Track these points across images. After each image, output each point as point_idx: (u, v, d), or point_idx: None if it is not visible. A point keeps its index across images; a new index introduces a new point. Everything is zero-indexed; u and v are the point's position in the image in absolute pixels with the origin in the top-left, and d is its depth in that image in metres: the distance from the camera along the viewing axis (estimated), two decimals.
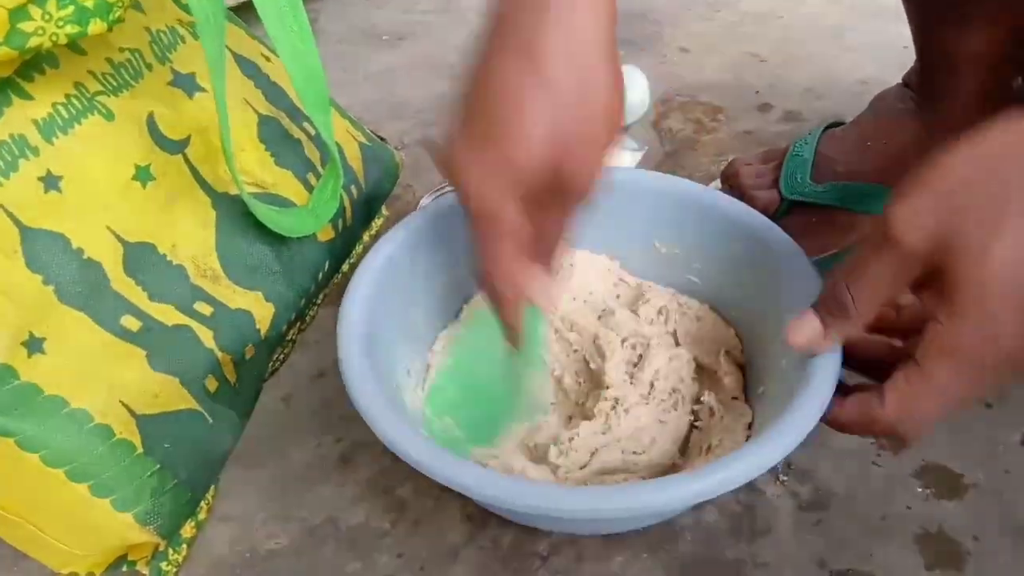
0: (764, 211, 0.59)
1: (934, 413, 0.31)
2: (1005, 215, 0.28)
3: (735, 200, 0.47)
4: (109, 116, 0.38)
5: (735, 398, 0.43)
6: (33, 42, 0.32)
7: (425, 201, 0.53)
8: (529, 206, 0.33)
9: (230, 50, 0.48)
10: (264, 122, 0.47)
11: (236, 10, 0.53)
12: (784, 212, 0.60)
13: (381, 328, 0.40)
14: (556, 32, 0.31)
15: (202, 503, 0.41)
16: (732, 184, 0.61)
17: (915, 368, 0.30)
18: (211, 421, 0.39)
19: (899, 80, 0.60)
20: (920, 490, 0.43)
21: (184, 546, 0.40)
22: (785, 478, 0.43)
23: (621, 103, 0.33)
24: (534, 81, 0.31)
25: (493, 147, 0.32)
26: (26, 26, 0.31)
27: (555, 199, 0.34)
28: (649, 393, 0.42)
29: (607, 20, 0.32)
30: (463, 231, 0.35)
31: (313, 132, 0.50)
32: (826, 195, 0.59)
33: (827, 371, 0.34)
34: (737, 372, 0.44)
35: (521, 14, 0.32)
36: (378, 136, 0.58)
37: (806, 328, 0.34)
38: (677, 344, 0.46)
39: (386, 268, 0.42)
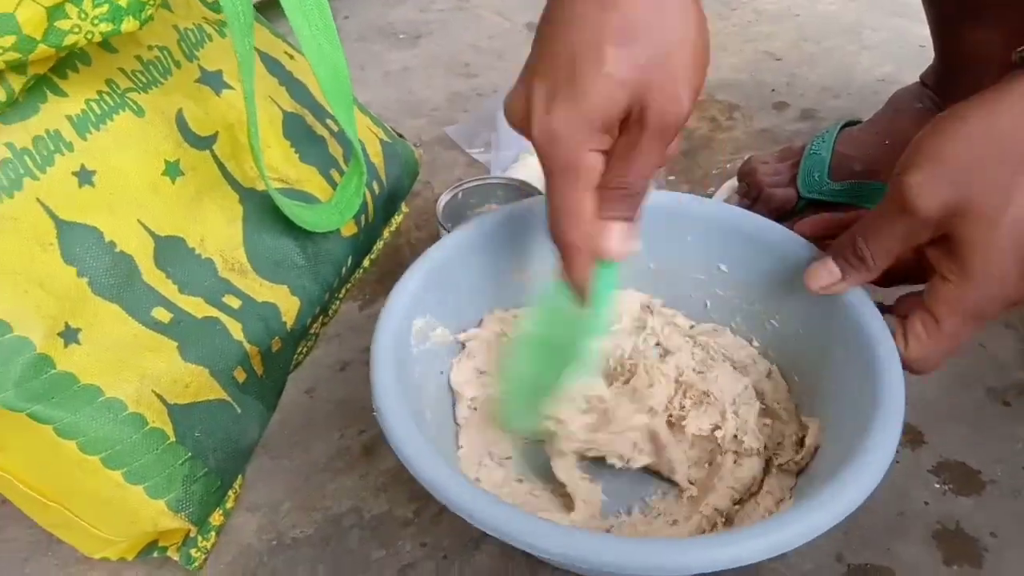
0: (781, 209, 0.60)
1: (946, 354, 0.35)
2: (1015, 185, 0.31)
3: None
4: (140, 112, 0.39)
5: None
6: (69, 39, 0.32)
7: (444, 198, 0.53)
8: (613, 153, 0.32)
9: (256, 48, 0.48)
10: (289, 119, 0.48)
11: (259, 8, 0.53)
12: (801, 210, 0.60)
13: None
14: None
15: (230, 492, 0.42)
16: (749, 182, 0.62)
17: (931, 321, 0.34)
18: (239, 411, 0.40)
19: (917, 78, 0.61)
20: (938, 486, 0.43)
21: (213, 534, 0.40)
22: None
23: (706, 39, 0.32)
24: (609, 13, 0.30)
25: (571, 93, 0.30)
26: (63, 24, 0.32)
27: (641, 143, 0.31)
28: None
29: None
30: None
31: (336, 129, 0.51)
32: (844, 194, 0.59)
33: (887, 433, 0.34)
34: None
35: None
36: (397, 133, 0.59)
37: (824, 273, 0.37)
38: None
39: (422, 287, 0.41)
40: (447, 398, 0.44)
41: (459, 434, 0.43)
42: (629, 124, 0.31)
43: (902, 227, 0.34)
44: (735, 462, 0.41)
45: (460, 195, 0.54)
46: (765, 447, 0.41)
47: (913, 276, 0.36)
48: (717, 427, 0.41)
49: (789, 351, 0.43)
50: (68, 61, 0.36)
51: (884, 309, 0.38)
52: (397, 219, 0.61)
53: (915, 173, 0.33)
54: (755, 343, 0.45)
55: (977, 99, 0.33)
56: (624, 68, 0.30)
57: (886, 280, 0.38)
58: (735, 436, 0.41)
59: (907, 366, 0.36)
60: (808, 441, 0.39)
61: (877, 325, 0.37)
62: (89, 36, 0.33)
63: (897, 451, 0.45)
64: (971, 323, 0.34)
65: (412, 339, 0.40)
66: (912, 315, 0.36)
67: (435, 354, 0.42)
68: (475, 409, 0.43)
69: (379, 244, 0.58)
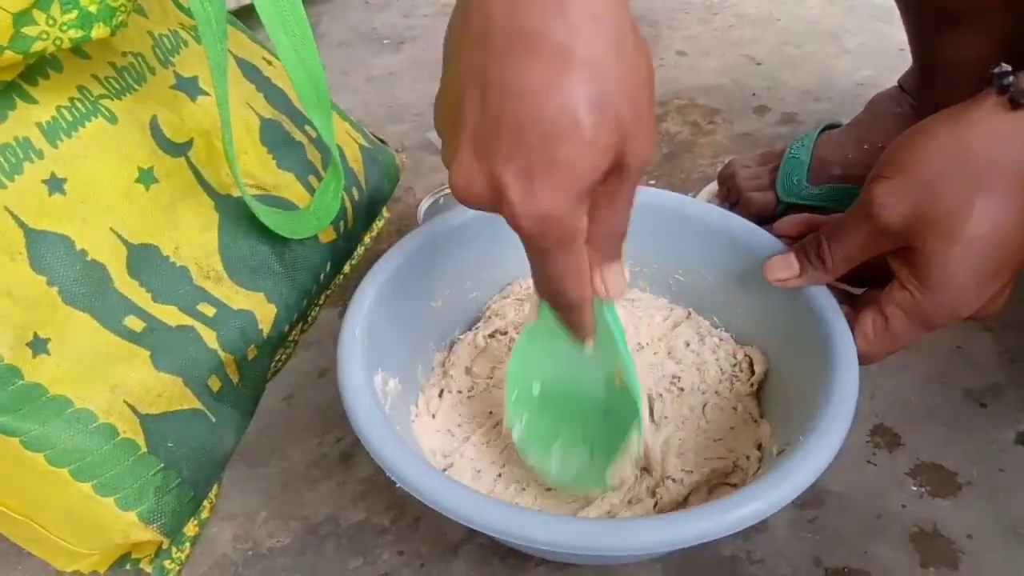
0: (760, 213, 0.60)
1: (886, 354, 0.37)
2: (974, 201, 0.32)
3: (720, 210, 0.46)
4: (112, 119, 0.38)
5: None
6: (37, 46, 0.32)
7: (425, 204, 0.53)
8: (597, 205, 0.30)
9: (232, 53, 0.48)
10: (266, 125, 0.47)
11: (237, 14, 0.53)
12: (781, 214, 0.60)
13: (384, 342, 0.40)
14: (574, 7, 0.26)
15: (205, 502, 0.41)
16: (729, 186, 0.62)
17: (880, 320, 0.36)
18: (214, 420, 0.39)
19: (896, 82, 0.61)
20: (915, 488, 0.43)
21: (187, 544, 0.40)
22: None
23: (651, 61, 0.29)
24: (572, 73, 0.26)
25: (553, 171, 0.27)
26: (30, 30, 0.31)
27: (624, 190, 0.30)
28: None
29: None
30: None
31: (314, 135, 0.51)
32: (823, 197, 0.59)
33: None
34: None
35: (526, 5, 0.26)
36: (378, 138, 0.59)
37: (782, 266, 0.39)
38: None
39: (389, 285, 0.42)
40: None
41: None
42: (609, 175, 0.29)
43: (864, 234, 0.35)
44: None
45: (441, 200, 0.54)
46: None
47: (882, 280, 0.37)
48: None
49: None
50: (38, 67, 0.36)
51: (843, 301, 0.39)
52: (378, 224, 0.60)
53: (881, 183, 0.34)
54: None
55: (947, 113, 0.34)
56: (605, 132, 0.27)
57: (856, 281, 0.39)
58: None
59: None
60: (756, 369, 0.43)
61: (830, 304, 0.38)
62: (58, 43, 0.33)
63: (874, 453, 0.45)
64: (918, 330, 0.35)
65: (380, 397, 0.38)
66: (864, 312, 0.37)
67: (396, 408, 0.40)
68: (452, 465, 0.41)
69: (360, 250, 0.57)
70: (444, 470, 0.40)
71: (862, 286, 0.40)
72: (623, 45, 0.27)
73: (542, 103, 0.26)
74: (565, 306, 0.33)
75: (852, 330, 0.37)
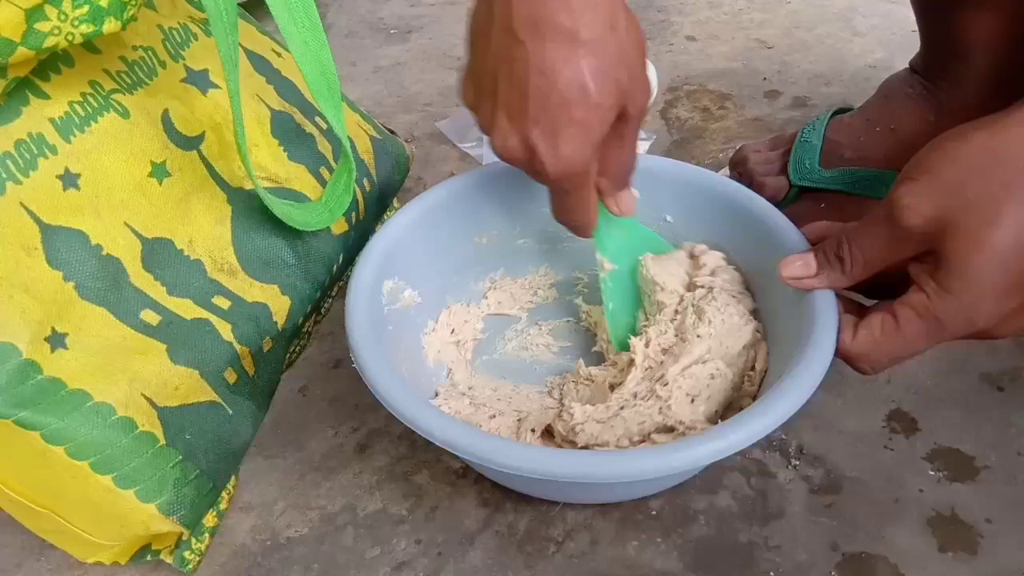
0: (773, 198, 0.59)
1: (892, 360, 0.36)
2: (1004, 208, 0.31)
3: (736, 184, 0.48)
4: (125, 114, 0.39)
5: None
6: (49, 42, 0.32)
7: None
8: (607, 146, 0.37)
9: (242, 46, 0.48)
10: (277, 118, 0.47)
11: (246, 6, 0.53)
12: (793, 198, 0.60)
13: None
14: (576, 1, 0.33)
15: (223, 493, 0.42)
16: (740, 171, 0.61)
17: (890, 320, 0.34)
18: (231, 412, 0.39)
19: (907, 64, 0.60)
20: (932, 473, 0.43)
21: (206, 535, 0.40)
22: (797, 462, 0.44)
23: (640, 28, 0.37)
24: (579, 51, 0.33)
25: (571, 129, 0.35)
26: (42, 26, 0.31)
27: (627, 133, 0.38)
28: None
29: None
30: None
31: (325, 127, 0.51)
32: (835, 181, 0.59)
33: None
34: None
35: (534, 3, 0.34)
36: (388, 129, 0.59)
37: (799, 264, 0.38)
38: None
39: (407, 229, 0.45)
40: (423, 365, 0.46)
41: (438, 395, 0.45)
42: (615, 124, 0.36)
43: (886, 236, 0.34)
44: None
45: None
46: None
47: (896, 294, 0.35)
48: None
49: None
50: (50, 63, 0.36)
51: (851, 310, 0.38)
52: (389, 215, 0.60)
53: (906, 184, 0.33)
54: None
55: (982, 120, 0.33)
56: (608, 95, 0.35)
57: (873, 291, 0.38)
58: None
59: (848, 358, 0.36)
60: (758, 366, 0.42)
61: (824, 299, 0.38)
62: (70, 38, 0.33)
63: (890, 438, 0.45)
64: (929, 335, 0.34)
65: (384, 299, 0.43)
66: (874, 311, 0.36)
67: (406, 315, 0.45)
68: (454, 385, 0.45)
69: None
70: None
71: (875, 298, 0.38)
72: (616, 23, 0.34)
73: (557, 76, 0.34)
74: (576, 227, 0.42)
75: (853, 327, 0.36)
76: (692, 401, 0.40)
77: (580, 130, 0.35)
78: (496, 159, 0.38)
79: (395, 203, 0.61)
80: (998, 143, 0.31)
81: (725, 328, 0.42)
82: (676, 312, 0.44)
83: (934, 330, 0.33)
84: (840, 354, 0.36)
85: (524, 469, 0.33)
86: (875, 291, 0.38)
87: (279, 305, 0.44)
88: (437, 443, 0.34)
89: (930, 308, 0.33)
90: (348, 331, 0.39)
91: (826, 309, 0.37)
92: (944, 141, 0.33)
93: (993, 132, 0.32)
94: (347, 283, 0.42)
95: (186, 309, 0.39)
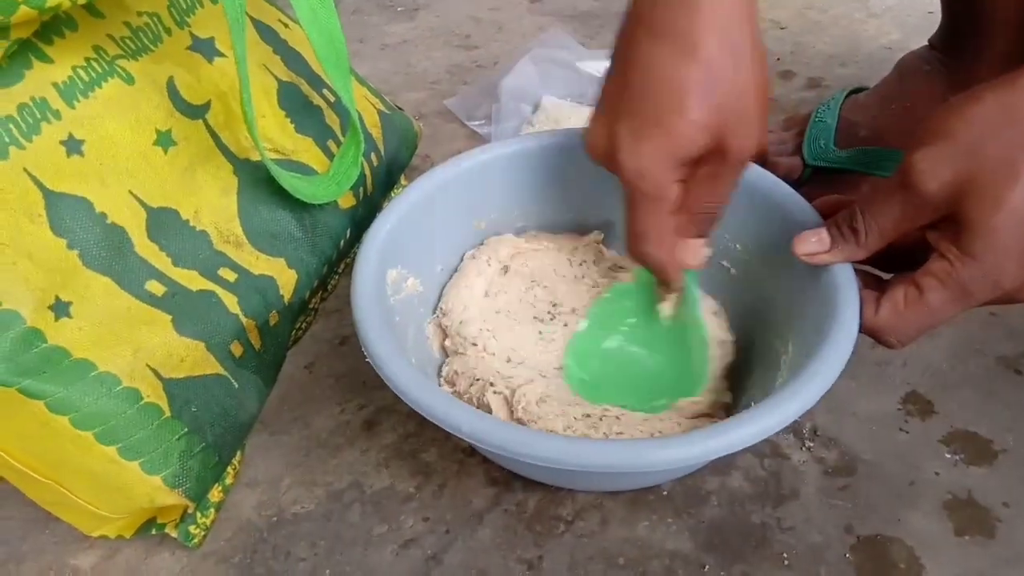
0: (786, 177, 0.58)
1: (919, 331, 0.35)
2: (1022, 167, 0.30)
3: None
4: (129, 80, 0.38)
5: None
6: (52, 1, 0.31)
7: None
8: (694, 181, 0.36)
9: (249, 15, 0.47)
10: (284, 88, 0.46)
11: None
12: (807, 178, 0.59)
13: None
14: (705, 14, 0.32)
15: (229, 468, 0.41)
16: None
17: (913, 291, 0.34)
18: (237, 386, 0.39)
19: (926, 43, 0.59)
20: (949, 456, 0.42)
21: (212, 510, 0.40)
22: (811, 444, 0.43)
23: (768, 75, 0.35)
24: (691, 64, 0.32)
25: (657, 134, 0.33)
26: None
27: (722, 174, 0.36)
28: None
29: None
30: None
31: (333, 99, 0.50)
32: (850, 160, 0.58)
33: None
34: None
35: (666, 3, 0.33)
36: (396, 106, 0.58)
37: (813, 240, 0.37)
38: None
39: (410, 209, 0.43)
40: (428, 354, 0.45)
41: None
42: (709, 157, 0.34)
43: (902, 204, 0.33)
44: None
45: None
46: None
47: (913, 265, 0.35)
48: None
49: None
50: (53, 26, 0.35)
51: (869, 286, 0.37)
52: (396, 192, 0.60)
53: (923, 150, 0.32)
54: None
55: (996, 81, 0.32)
56: (706, 115, 0.33)
57: (886, 265, 0.37)
58: None
59: (874, 332, 0.35)
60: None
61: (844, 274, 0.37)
62: None
63: (906, 421, 0.44)
64: (955, 302, 0.33)
65: (388, 289, 0.41)
66: (896, 283, 0.35)
67: (410, 304, 0.43)
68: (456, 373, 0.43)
69: None
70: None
71: (892, 271, 0.37)
72: (740, 56, 0.33)
73: (660, 78, 0.33)
74: (651, 264, 0.38)
75: (876, 301, 0.35)
76: None
77: (666, 139, 0.33)
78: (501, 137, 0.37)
79: (403, 180, 0.60)
80: (1013, 102, 0.31)
81: None
82: None
83: (959, 296, 0.32)
84: (864, 329, 0.35)
85: (554, 460, 0.31)
86: (890, 263, 0.37)
87: (286, 279, 0.43)
88: (466, 439, 0.33)
89: (953, 274, 0.32)
90: (356, 322, 0.37)
91: (846, 284, 0.36)
92: (957, 103, 0.32)
93: (1006, 92, 0.31)
94: (353, 261, 0.41)
95: (192, 280, 0.38)
